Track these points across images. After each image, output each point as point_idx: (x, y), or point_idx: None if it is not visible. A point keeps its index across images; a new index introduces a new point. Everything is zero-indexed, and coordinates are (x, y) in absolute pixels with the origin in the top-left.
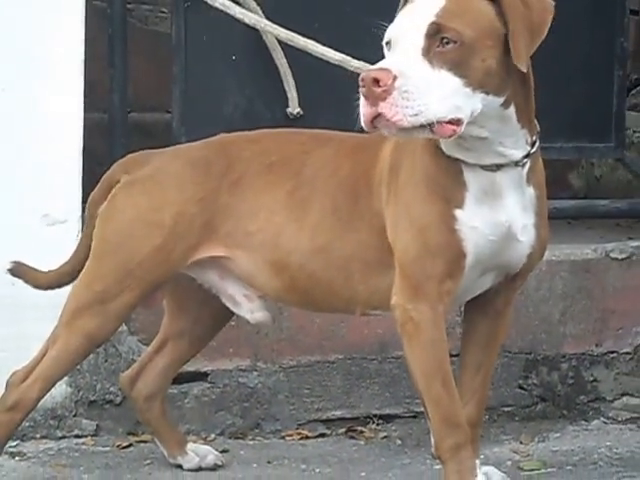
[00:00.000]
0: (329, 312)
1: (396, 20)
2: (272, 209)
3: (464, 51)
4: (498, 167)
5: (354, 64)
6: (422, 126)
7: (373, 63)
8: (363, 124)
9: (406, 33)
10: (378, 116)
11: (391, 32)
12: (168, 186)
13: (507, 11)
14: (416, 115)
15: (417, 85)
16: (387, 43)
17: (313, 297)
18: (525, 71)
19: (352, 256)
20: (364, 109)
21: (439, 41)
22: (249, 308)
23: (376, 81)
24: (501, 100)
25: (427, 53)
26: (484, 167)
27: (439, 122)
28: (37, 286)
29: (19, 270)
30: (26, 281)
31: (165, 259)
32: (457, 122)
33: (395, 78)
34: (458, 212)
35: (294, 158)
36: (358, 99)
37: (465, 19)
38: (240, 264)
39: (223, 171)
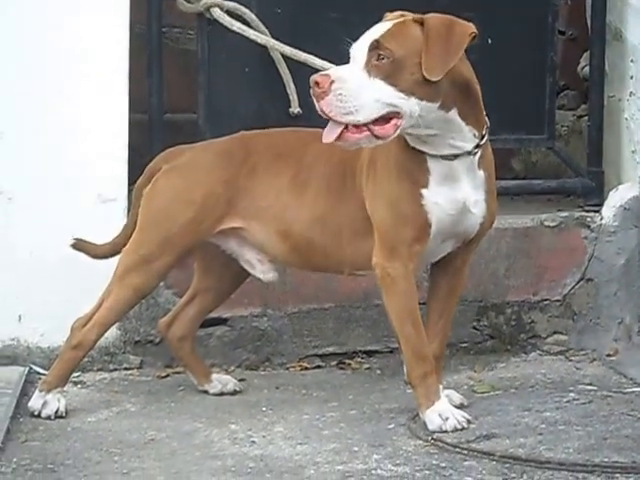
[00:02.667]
0: (323, 272)
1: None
2: (279, 190)
3: (395, 66)
4: (455, 156)
5: None
6: (363, 130)
7: None
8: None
9: (358, 48)
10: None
11: (352, 47)
12: (199, 172)
13: (426, 33)
14: (347, 114)
15: (350, 89)
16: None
17: (311, 259)
18: (434, 81)
19: (342, 225)
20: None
21: (376, 56)
22: (261, 269)
23: (317, 83)
24: (436, 105)
25: (367, 65)
26: (443, 157)
27: (374, 123)
28: (95, 257)
29: (79, 245)
30: (86, 253)
31: (196, 229)
32: (396, 115)
33: (332, 82)
34: (424, 191)
35: (296, 150)
36: None
37: (399, 40)
38: (254, 233)
39: (242, 160)
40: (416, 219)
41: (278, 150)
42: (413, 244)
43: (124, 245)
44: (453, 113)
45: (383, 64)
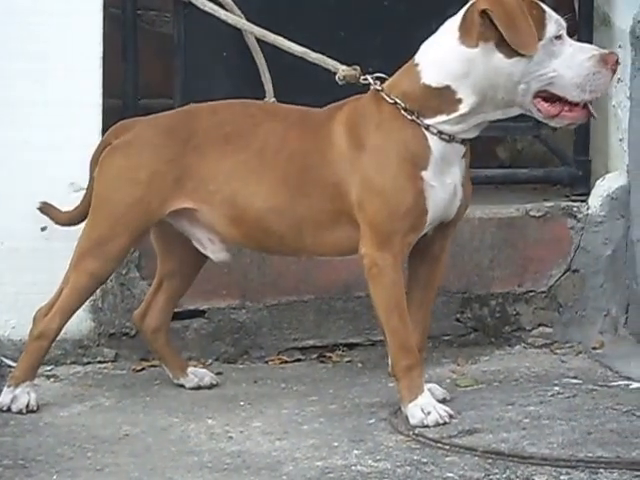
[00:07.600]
0: (279, 255)
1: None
2: (228, 174)
3: None
4: (451, 138)
5: (313, 56)
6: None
7: (330, 56)
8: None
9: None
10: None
11: (560, 23)
12: (143, 150)
13: None
14: None
15: None
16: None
17: (266, 245)
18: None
19: (303, 217)
20: (606, 78)
21: None
22: (212, 249)
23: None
24: None
25: None
26: (441, 137)
27: None
28: (57, 222)
29: (46, 209)
30: (50, 218)
31: (144, 209)
32: None
33: None
34: (424, 173)
35: (245, 130)
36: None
37: None
38: (204, 215)
39: (186, 137)
40: (415, 207)
41: (225, 130)
42: (408, 234)
43: (82, 219)
44: None
45: None
